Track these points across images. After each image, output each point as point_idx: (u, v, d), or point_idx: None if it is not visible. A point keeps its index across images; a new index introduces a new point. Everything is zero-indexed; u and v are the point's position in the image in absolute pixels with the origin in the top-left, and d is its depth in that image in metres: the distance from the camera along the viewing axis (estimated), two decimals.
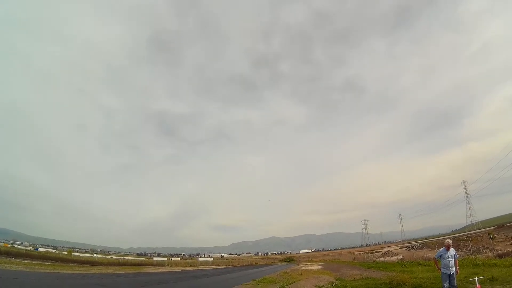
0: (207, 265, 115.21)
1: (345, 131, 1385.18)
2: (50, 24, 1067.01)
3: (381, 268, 42.60)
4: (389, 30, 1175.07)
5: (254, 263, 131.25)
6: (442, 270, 14.69)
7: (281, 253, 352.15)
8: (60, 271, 45.35)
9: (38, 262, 61.69)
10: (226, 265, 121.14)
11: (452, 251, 14.64)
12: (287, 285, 28.96)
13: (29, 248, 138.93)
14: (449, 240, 15.39)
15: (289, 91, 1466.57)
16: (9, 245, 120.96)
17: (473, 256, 38.29)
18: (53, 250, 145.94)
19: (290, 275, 44.49)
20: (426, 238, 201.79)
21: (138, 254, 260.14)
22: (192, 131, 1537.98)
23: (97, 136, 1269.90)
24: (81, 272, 48.30)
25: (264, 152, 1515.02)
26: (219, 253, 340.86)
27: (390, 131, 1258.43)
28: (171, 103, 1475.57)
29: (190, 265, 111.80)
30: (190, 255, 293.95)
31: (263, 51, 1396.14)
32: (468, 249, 51.79)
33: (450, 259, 14.43)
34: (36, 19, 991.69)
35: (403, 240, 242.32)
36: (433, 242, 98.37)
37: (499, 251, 39.49)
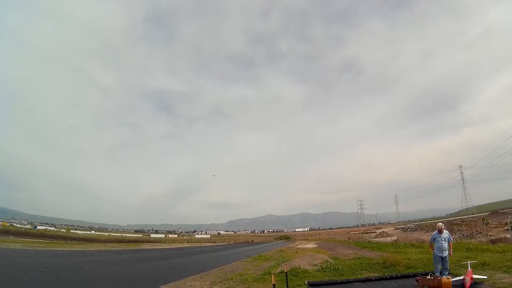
0: (204, 242, 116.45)
1: (342, 111, 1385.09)
2: (44, 1, 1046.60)
3: (375, 249, 43.20)
4: (388, 12, 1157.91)
5: (250, 241, 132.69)
6: (435, 252, 15.07)
7: (277, 231, 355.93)
8: (59, 249, 46.04)
9: (37, 240, 62.37)
10: (223, 242, 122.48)
11: (445, 233, 15.01)
12: (282, 262, 29.43)
13: (28, 226, 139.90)
14: (440, 223, 15.80)
15: (287, 70, 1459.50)
16: (7, 224, 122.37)
17: (466, 241, 38.87)
18: (52, 228, 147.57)
19: (286, 253, 45.23)
20: (420, 221, 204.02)
21: (136, 231, 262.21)
22: (188, 108, 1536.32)
23: (94, 114, 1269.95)
24: (79, 249, 49.03)
25: (261, 130, 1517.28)
26: (216, 230, 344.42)
27: (387, 112, 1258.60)
28: (168, 80, 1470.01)
29: (187, 242, 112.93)
30: (187, 232, 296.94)
31: (261, 29, 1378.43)
32: (462, 233, 52.51)
33: (443, 241, 14.78)
34: None
35: (398, 222, 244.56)
36: (428, 224, 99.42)
37: (492, 237, 40.04)
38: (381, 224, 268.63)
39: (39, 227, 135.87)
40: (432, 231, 21.25)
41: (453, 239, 16.00)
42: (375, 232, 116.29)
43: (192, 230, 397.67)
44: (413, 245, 39.95)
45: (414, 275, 15.87)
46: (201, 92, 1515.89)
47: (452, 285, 12.56)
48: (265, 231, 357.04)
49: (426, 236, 43.79)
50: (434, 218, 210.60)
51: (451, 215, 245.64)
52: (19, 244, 46.29)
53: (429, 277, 13.77)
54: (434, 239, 15.25)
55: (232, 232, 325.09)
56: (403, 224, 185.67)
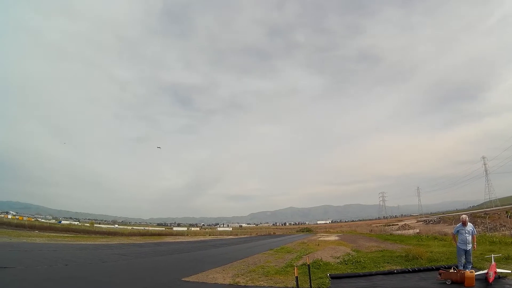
0: (225, 235, 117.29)
1: (359, 101, 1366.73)
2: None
3: (397, 241, 42.92)
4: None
5: (272, 233, 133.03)
6: (459, 245, 14.76)
7: (298, 223, 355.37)
8: (83, 242, 47.31)
9: (61, 234, 64.18)
10: (245, 234, 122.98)
11: (469, 226, 14.73)
12: (304, 255, 29.51)
13: (53, 221, 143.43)
14: (464, 215, 15.56)
15: (303, 61, 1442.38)
16: (33, 219, 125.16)
17: (490, 234, 38.23)
18: (76, 222, 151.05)
19: (308, 245, 45.31)
20: (443, 213, 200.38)
21: (158, 225, 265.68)
22: (205, 101, 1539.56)
23: (112, 109, 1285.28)
24: (103, 242, 50.27)
25: (279, 121, 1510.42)
26: (238, 223, 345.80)
27: (405, 102, 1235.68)
28: (184, 74, 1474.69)
29: (209, 235, 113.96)
30: (209, 225, 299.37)
31: (277, 20, 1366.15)
32: (485, 226, 51.56)
33: (467, 234, 14.46)
34: None
35: (420, 214, 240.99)
36: (450, 217, 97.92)
37: None
38: (403, 216, 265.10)
39: (63, 222, 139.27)
40: (455, 223, 21.08)
41: (476, 232, 15.71)
42: (397, 224, 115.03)
43: (214, 223, 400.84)
44: (435, 238, 39.54)
45: (437, 268, 15.84)
46: (217, 84, 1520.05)
47: (475, 279, 12.52)
48: (287, 224, 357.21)
49: (449, 229, 43.17)
50: (456, 211, 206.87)
51: (474, 207, 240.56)
52: (44, 239, 47.69)
53: (452, 271, 13.71)
54: (458, 231, 14.85)
55: (254, 225, 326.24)
56: (426, 217, 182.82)
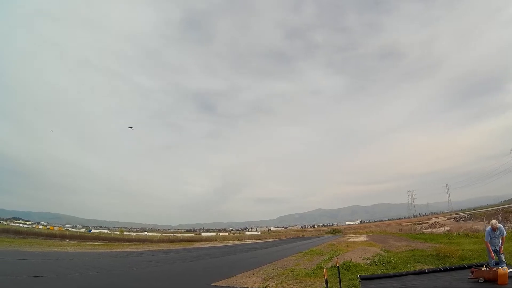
0: (254, 239, 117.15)
1: (382, 99, 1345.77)
2: (82, 13, 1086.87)
3: (427, 240, 42.33)
4: None
5: (300, 236, 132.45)
6: (490, 246, 14.79)
7: (327, 225, 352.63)
8: (113, 250, 48.38)
9: (91, 243, 65.67)
10: (273, 238, 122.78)
11: (498, 229, 14.71)
12: (334, 256, 29.52)
13: (83, 230, 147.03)
14: (494, 221, 15.39)
15: (324, 61, 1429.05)
16: (63, 229, 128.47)
17: None
18: (106, 231, 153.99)
19: (337, 246, 45.16)
20: (473, 209, 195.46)
21: (187, 230, 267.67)
22: (229, 106, 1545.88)
23: (138, 117, 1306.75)
24: (133, 250, 51.23)
25: (303, 123, 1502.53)
26: (266, 227, 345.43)
27: (429, 98, 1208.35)
28: (207, 80, 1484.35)
29: (238, 239, 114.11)
30: (237, 230, 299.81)
31: (295, 22, 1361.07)
32: None
33: (496, 238, 14.59)
34: (67, 9, 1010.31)
35: (450, 211, 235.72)
36: (481, 213, 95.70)
37: None
38: (433, 214, 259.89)
39: (93, 231, 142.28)
40: (487, 219, 20.76)
41: (508, 227, 15.37)
42: (427, 222, 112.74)
43: (242, 227, 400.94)
44: (466, 235, 38.84)
45: (469, 267, 15.61)
46: (240, 89, 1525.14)
47: (509, 277, 12.36)
48: (315, 226, 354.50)
49: (480, 225, 42.39)
50: (487, 206, 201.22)
51: (505, 202, 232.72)
52: (75, 247, 48.89)
53: (485, 268, 13.52)
54: (489, 236, 14.85)
55: (282, 228, 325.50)
56: (456, 214, 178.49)
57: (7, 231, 70.03)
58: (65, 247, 47.91)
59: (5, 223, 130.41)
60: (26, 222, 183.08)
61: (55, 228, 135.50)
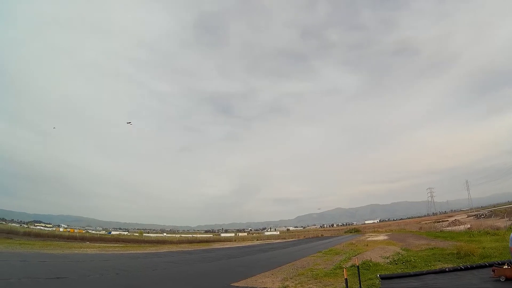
0: (273, 239, 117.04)
1: (399, 96, 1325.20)
2: (96, 19, 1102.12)
3: (448, 238, 41.87)
4: None
5: (319, 235, 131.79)
6: None
7: (346, 224, 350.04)
8: (133, 251, 49.10)
9: (111, 245, 66.74)
10: (292, 238, 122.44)
11: None
12: (353, 256, 29.47)
13: (103, 232, 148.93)
14: None
15: (339, 60, 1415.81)
16: (83, 231, 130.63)
17: None
18: (125, 233, 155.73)
19: (356, 246, 44.95)
20: (494, 206, 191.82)
21: (206, 231, 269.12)
22: (245, 108, 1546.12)
23: (156, 122, 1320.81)
24: (152, 251, 51.85)
25: (320, 122, 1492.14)
26: (285, 227, 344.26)
27: (447, 93, 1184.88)
28: (223, 82, 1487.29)
29: (257, 240, 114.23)
30: (256, 230, 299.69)
31: (309, 21, 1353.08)
32: None
33: None
34: (79, 16, 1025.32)
35: (471, 208, 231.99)
36: (502, 210, 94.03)
37: None
38: (453, 212, 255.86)
39: (113, 232, 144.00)
40: (507, 216, 20.53)
41: None
42: (447, 220, 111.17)
43: (261, 227, 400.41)
44: (487, 233, 38.35)
45: (490, 265, 15.52)
46: (256, 90, 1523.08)
47: None
48: (334, 225, 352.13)
49: (501, 223, 41.80)
50: (508, 203, 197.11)
51: None
52: (95, 249, 49.79)
53: (506, 267, 13.46)
54: None
55: (301, 228, 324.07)
56: (476, 211, 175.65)
57: (29, 234, 71.74)
58: (85, 249, 48.91)
59: (26, 226, 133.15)
60: (46, 225, 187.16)
61: (76, 230, 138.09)
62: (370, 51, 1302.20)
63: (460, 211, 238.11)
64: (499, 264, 15.15)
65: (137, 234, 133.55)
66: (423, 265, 20.55)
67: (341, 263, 24.63)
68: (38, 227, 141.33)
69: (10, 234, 65.15)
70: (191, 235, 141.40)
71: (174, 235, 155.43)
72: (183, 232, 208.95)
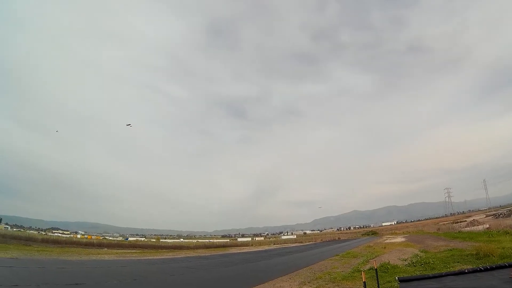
0: (290, 243, 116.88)
1: (413, 96, 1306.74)
2: (110, 28, 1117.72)
3: (466, 239, 41.43)
4: None
5: (337, 238, 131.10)
6: None
7: (363, 226, 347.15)
8: (150, 257, 49.44)
9: (129, 251, 67.23)
10: (309, 241, 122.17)
11: None
12: (371, 259, 29.44)
13: (120, 238, 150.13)
14: None
15: (351, 60, 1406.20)
16: (101, 238, 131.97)
17: None
18: (142, 238, 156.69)
19: (374, 248, 44.80)
20: None
21: (223, 236, 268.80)
22: (259, 111, 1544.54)
23: (171, 126, 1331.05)
24: (169, 256, 52.22)
25: (335, 124, 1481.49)
26: (302, 230, 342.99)
27: (461, 90, 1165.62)
28: (237, 86, 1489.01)
29: (274, 244, 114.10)
30: (273, 234, 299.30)
31: (320, 23, 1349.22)
32: None
33: None
34: (94, 26, 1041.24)
35: (489, 208, 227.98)
36: None
37: None
38: (471, 212, 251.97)
39: (130, 239, 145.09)
40: None
41: None
42: (465, 221, 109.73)
43: (278, 231, 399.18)
44: (506, 233, 37.94)
45: (510, 265, 15.39)
46: (270, 93, 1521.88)
47: None
48: (351, 228, 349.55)
49: None
50: None
51: None
52: (112, 255, 50.29)
53: None
54: None
55: (318, 231, 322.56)
56: (495, 210, 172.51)
57: (47, 241, 72.44)
58: (103, 255, 49.26)
59: (44, 233, 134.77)
60: (64, 232, 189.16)
61: (93, 236, 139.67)
62: (382, 50, 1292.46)
63: (478, 211, 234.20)
64: None
65: (154, 240, 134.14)
66: (442, 266, 20.43)
67: (359, 266, 24.65)
68: (56, 234, 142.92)
69: (29, 241, 65.69)
70: (208, 240, 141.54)
71: (191, 240, 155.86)
72: (200, 237, 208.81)
